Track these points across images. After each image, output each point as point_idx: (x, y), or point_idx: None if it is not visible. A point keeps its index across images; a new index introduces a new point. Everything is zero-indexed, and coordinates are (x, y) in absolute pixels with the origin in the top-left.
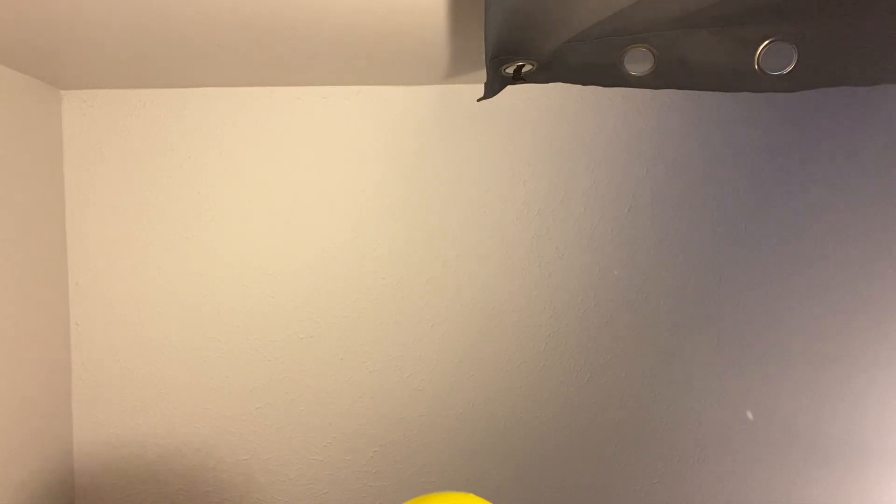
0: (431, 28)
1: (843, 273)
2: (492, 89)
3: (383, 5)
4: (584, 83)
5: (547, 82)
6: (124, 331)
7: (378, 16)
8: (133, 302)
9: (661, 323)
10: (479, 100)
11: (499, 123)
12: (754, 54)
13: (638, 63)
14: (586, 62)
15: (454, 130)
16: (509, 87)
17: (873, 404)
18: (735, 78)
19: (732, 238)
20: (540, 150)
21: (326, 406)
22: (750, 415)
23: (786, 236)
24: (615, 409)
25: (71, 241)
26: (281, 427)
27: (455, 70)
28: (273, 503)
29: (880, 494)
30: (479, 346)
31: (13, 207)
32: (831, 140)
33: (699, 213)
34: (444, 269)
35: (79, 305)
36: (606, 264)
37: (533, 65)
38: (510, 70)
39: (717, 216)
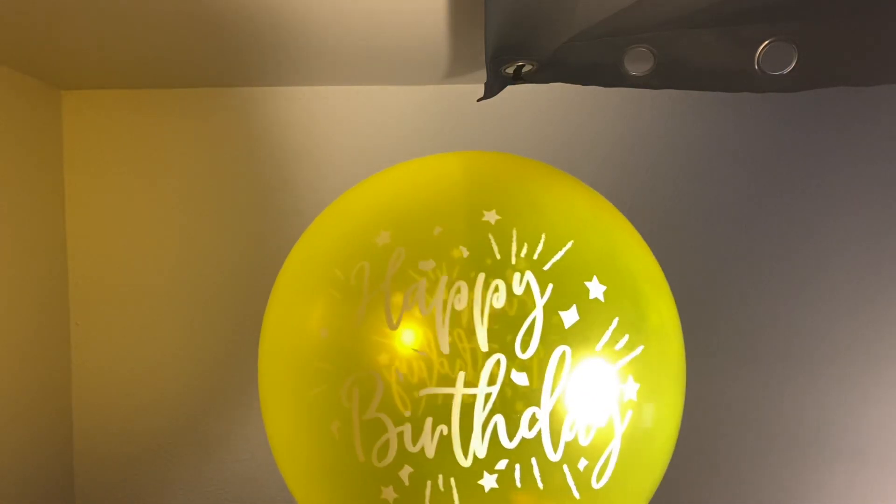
0: (431, 28)
1: (844, 273)
2: (492, 89)
3: (384, 6)
4: (584, 83)
5: (547, 82)
6: (124, 331)
7: (378, 16)
8: (133, 302)
9: None
10: (479, 100)
11: (499, 123)
12: (754, 54)
13: (638, 63)
14: (586, 62)
15: (454, 130)
16: (509, 87)
17: (874, 404)
18: (735, 78)
19: (732, 238)
20: (540, 150)
21: None
22: None
23: (786, 236)
24: None
25: (71, 242)
26: None
27: (455, 70)
28: (274, 502)
29: (880, 494)
30: None
31: (13, 208)
32: (831, 140)
33: (699, 214)
34: None
35: (79, 305)
36: None
37: (533, 65)
38: (510, 70)
39: (717, 216)
